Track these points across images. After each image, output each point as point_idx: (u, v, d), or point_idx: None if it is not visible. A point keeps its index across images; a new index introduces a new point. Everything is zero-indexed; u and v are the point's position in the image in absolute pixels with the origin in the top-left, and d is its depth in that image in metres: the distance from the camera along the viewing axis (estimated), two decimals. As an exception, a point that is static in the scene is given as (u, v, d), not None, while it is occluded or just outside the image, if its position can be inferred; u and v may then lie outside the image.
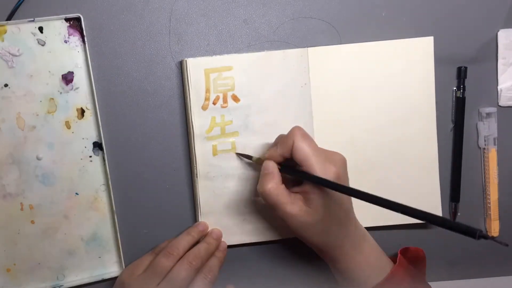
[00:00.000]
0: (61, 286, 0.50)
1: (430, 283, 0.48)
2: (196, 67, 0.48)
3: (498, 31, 0.52)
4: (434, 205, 0.52)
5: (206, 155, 0.49)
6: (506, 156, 0.53)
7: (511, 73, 0.52)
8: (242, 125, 0.49)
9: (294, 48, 0.50)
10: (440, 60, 0.51)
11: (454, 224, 0.33)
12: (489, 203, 0.53)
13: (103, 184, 0.50)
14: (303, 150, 0.42)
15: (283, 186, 0.44)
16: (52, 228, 0.49)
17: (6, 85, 0.47)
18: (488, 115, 0.52)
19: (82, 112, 0.49)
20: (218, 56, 0.49)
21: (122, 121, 0.50)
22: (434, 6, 0.51)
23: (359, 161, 0.50)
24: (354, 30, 0.50)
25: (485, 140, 0.52)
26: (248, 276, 0.53)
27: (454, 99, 0.52)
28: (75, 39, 0.48)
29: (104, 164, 0.49)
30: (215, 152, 0.49)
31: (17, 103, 0.47)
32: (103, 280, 0.51)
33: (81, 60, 0.48)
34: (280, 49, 0.49)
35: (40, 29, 0.47)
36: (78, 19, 0.47)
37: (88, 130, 0.49)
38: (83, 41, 0.48)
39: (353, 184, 0.51)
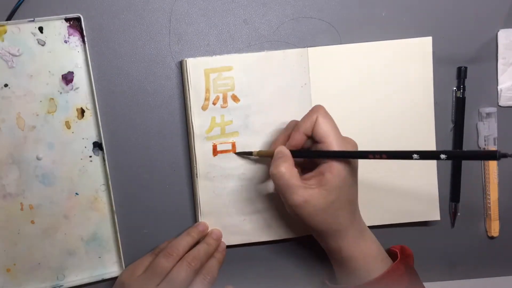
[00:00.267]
0: (61, 286, 0.50)
1: (430, 283, 0.48)
2: (196, 67, 0.48)
3: (498, 31, 0.52)
4: (432, 205, 0.52)
5: (206, 155, 0.49)
6: (506, 156, 0.53)
7: (511, 73, 0.52)
8: (242, 125, 0.49)
9: (294, 48, 0.50)
10: (440, 60, 0.51)
11: (471, 152, 0.34)
12: (489, 203, 0.53)
13: (103, 184, 0.50)
14: (326, 125, 0.43)
15: (296, 170, 0.44)
16: (52, 228, 0.49)
17: (6, 85, 0.47)
18: (488, 115, 0.52)
19: (82, 112, 0.49)
20: (218, 56, 0.49)
21: (122, 121, 0.50)
22: (434, 6, 0.51)
23: (359, 161, 0.50)
24: (354, 30, 0.50)
25: (485, 140, 0.52)
26: (248, 276, 0.53)
27: (454, 99, 0.52)
28: (75, 39, 0.48)
29: (104, 164, 0.49)
30: (215, 152, 0.49)
31: (17, 103, 0.47)
32: (103, 280, 0.51)
33: (81, 60, 0.48)
34: (280, 49, 0.49)
35: (40, 29, 0.47)
36: (78, 19, 0.47)
37: (88, 130, 0.49)
38: (83, 41, 0.48)
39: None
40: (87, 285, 0.51)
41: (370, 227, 0.47)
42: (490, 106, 0.52)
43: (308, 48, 0.49)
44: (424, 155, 0.38)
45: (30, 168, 0.48)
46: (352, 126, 0.50)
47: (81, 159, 0.49)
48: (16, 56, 0.47)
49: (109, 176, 0.49)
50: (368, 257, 0.45)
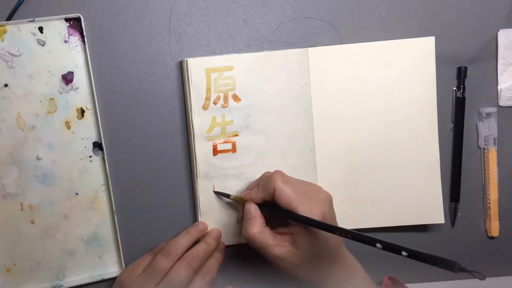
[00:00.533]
0: (61, 286, 0.50)
1: (430, 283, 0.48)
2: (197, 66, 0.48)
3: (498, 31, 0.52)
4: (436, 206, 0.51)
5: (206, 155, 0.49)
6: (506, 156, 0.53)
7: (511, 73, 0.52)
8: (243, 125, 0.49)
9: (294, 48, 0.50)
10: (440, 60, 0.51)
11: (432, 257, 0.34)
12: (489, 203, 0.53)
13: (103, 184, 0.50)
14: (286, 195, 0.42)
15: (267, 228, 0.44)
16: (52, 228, 0.49)
17: (6, 85, 0.47)
18: (488, 115, 0.52)
19: (82, 112, 0.49)
20: (219, 56, 0.49)
21: (122, 121, 0.50)
22: (434, 6, 0.51)
23: (360, 161, 0.50)
24: (354, 30, 0.50)
25: (485, 140, 0.52)
26: (247, 276, 0.53)
27: (454, 99, 0.52)
28: (75, 39, 0.48)
29: (104, 164, 0.49)
30: (215, 152, 0.49)
31: (17, 103, 0.48)
32: (103, 280, 0.51)
33: (81, 60, 0.48)
34: (280, 49, 0.49)
35: (40, 29, 0.47)
36: (78, 19, 0.47)
37: (88, 130, 0.49)
38: (83, 41, 0.48)
39: (353, 184, 0.51)
40: (87, 285, 0.51)
41: (370, 230, 0.46)
42: (490, 106, 0.52)
43: (308, 48, 0.49)
44: (387, 246, 0.36)
45: (30, 168, 0.48)
46: (352, 126, 0.50)
47: (81, 159, 0.49)
48: (16, 56, 0.47)
49: (109, 176, 0.49)
50: None
